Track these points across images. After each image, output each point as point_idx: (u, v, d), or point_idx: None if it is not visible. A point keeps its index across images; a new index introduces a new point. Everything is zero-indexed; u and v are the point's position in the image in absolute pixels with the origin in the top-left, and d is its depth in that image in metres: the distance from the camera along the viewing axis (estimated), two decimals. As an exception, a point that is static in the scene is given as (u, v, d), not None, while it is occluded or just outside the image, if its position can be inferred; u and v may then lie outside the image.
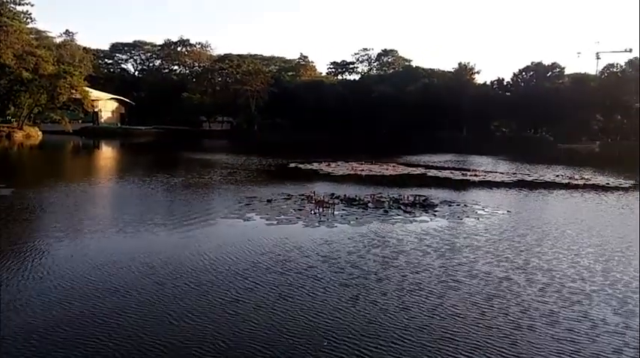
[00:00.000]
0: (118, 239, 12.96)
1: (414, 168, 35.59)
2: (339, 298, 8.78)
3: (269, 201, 19.24)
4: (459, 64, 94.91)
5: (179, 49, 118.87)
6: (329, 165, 35.82)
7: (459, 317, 8.05)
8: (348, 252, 11.91)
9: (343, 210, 17.67)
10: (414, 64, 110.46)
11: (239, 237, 13.37)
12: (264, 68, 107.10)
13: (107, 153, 54.19)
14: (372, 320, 7.83)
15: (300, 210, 17.50)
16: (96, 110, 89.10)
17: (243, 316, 7.90)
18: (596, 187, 26.67)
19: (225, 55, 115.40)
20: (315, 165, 35.41)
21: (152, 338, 7.08)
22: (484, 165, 39.89)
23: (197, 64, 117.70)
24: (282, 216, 16.29)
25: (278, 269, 10.40)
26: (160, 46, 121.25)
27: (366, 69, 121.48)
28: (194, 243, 12.64)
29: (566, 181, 29.08)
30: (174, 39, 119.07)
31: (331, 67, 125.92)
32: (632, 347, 7.04)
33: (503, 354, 6.82)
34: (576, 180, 29.58)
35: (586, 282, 9.94)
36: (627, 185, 27.64)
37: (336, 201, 19.32)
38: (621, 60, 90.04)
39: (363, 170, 33.30)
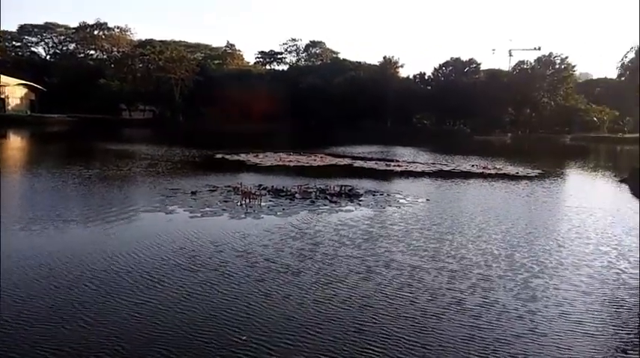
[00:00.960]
0: (19, 237, 11.98)
1: (340, 159, 36.18)
2: (253, 293, 8.61)
3: (193, 193, 18.73)
4: (384, 57, 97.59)
5: (96, 32, 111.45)
6: (257, 156, 35.51)
7: (369, 307, 8.20)
8: (268, 244, 11.74)
9: (270, 201, 17.62)
10: (341, 56, 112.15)
11: (158, 231, 12.84)
12: (189, 55, 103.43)
13: (14, 144, 49.94)
14: (284, 315, 7.78)
15: (225, 201, 17.21)
16: (2, 96, 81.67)
17: (149, 318, 7.48)
18: (506, 176, 28.64)
19: (146, 40, 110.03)
20: (242, 156, 34.94)
21: (48, 344, 6.61)
22: (407, 156, 41.42)
23: (116, 49, 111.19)
24: (207, 209, 15.93)
25: (191, 265, 10.02)
26: (74, 28, 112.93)
27: (294, 60, 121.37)
28: (105, 239, 11.99)
29: (480, 171, 30.97)
30: (91, 22, 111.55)
31: (259, 56, 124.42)
32: (537, 333, 7.40)
33: (412, 342, 7.04)
34: (489, 169, 31.57)
35: (492, 269, 10.42)
36: (534, 174, 29.93)
37: (264, 192, 19.21)
38: (531, 57, 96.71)
39: (291, 161, 33.35)
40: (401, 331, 7.38)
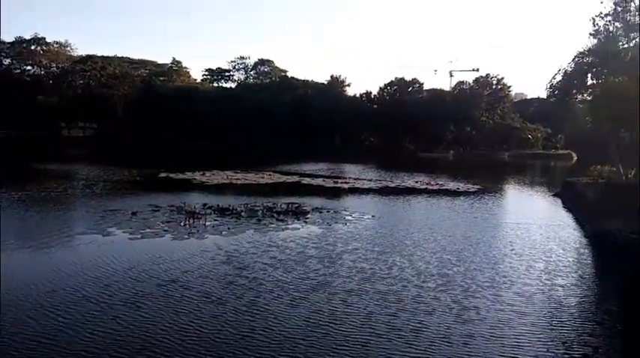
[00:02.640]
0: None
1: (288, 177, 36.22)
2: (168, 327, 8.12)
3: (134, 213, 18.11)
4: (332, 76, 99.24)
5: (33, 47, 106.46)
6: (203, 174, 34.87)
7: (292, 338, 7.85)
8: (199, 270, 11.40)
9: (216, 220, 17.33)
10: (289, 74, 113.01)
11: (88, 256, 12.30)
12: (132, 72, 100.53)
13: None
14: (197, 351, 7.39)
15: (168, 222, 16.76)
16: None
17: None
18: (448, 192, 29.68)
19: (87, 55, 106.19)
20: (188, 175, 34.20)
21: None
22: (354, 173, 42.06)
23: (55, 65, 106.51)
24: (148, 230, 15.44)
25: (103, 296, 9.42)
26: (9, 43, 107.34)
27: (242, 77, 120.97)
28: (32, 264, 11.48)
29: (424, 187, 31.94)
30: (28, 36, 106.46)
31: (206, 73, 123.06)
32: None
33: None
34: (432, 186, 32.61)
35: (427, 290, 10.38)
36: (474, 190, 31.21)
37: (209, 211, 18.89)
38: (470, 78, 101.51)
39: (238, 179, 33.02)
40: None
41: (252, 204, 20.98)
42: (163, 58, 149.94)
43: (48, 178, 30.58)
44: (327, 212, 20.21)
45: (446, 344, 7.79)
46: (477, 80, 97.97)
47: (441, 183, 34.55)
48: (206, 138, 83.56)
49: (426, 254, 13.64)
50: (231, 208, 19.56)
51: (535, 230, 17.75)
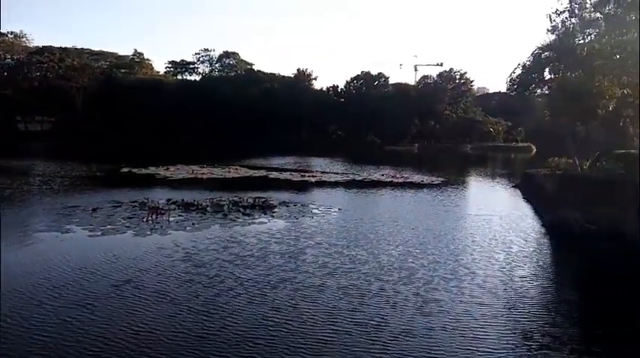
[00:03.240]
0: None
1: (255, 171, 35.94)
2: (121, 330, 7.82)
3: (94, 209, 17.59)
4: (298, 69, 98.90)
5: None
6: (167, 169, 34.18)
7: (251, 338, 7.68)
8: (157, 267, 11.10)
9: (180, 215, 17.04)
10: (255, 67, 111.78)
11: (43, 253, 11.91)
12: (92, 63, 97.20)
13: None
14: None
15: (130, 218, 16.36)
16: None
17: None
18: (413, 185, 30.16)
19: (44, 47, 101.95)
20: (151, 170, 33.44)
21: None
22: (321, 167, 42.14)
23: (9, 57, 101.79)
24: (109, 226, 15.03)
25: (54, 297, 9.09)
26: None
27: (207, 70, 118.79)
28: None
29: (390, 180, 32.34)
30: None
31: (169, 66, 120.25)
32: (437, 350, 7.48)
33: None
34: (397, 178, 33.05)
35: (390, 283, 10.41)
36: (438, 182, 31.82)
37: (173, 206, 18.56)
38: (434, 72, 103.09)
39: (204, 174, 32.53)
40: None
41: (218, 198, 20.73)
42: (124, 50, 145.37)
43: (1, 175, 29.27)
44: (295, 205, 20.19)
45: (408, 337, 7.82)
46: (440, 75, 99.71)
47: (406, 175, 35.05)
48: (170, 132, 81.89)
49: (389, 247, 13.73)
50: (196, 203, 19.26)
51: (496, 221, 18.23)
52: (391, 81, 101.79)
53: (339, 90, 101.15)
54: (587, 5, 23.69)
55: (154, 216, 16.49)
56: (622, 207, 16.45)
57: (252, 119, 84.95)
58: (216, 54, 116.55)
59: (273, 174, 34.05)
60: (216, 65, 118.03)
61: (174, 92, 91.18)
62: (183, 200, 19.81)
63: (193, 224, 15.75)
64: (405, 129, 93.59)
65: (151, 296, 9.32)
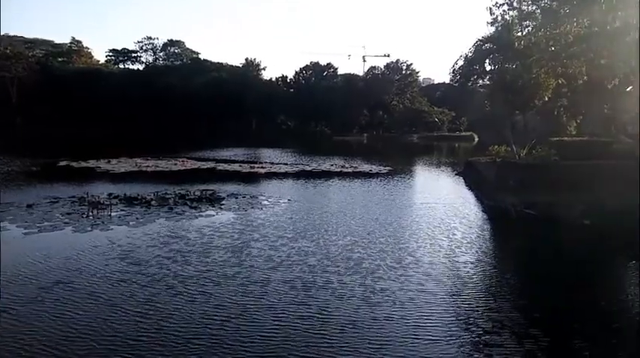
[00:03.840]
0: None
1: (203, 163, 35.21)
2: (48, 335, 7.35)
3: (30, 206, 16.62)
4: (246, 59, 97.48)
5: None
6: (109, 162, 32.83)
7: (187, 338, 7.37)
8: (91, 265, 10.55)
9: (122, 210, 16.42)
10: (202, 56, 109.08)
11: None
12: (26, 52, 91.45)
13: None
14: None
15: (69, 214, 15.59)
16: None
17: None
18: (362, 174, 30.56)
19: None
20: (91, 163, 31.99)
21: None
22: (271, 158, 41.87)
23: None
24: (46, 223, 14.26)
25: None
26: None
27: (151, 59, 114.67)
28: None
29: (339, 170, 32.63)
30: None
31: (110, 54, 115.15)
32: (382, 340, 7.57)
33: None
34: (347, 168, 33.39)
35: (335, 274, 10.32)
36: (385, 171, 32.40)
37: (115, 201, 17.85)
38: (381, 63, 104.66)
39: (148, 166, 31.50)
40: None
41: (164, 191, 20.15)
42: (61, 38, 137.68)
43: None
44: (244, 197, 19.96)
45: (354, 329, 7.75)
46: (388, 65, 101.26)
47: (355, 165, 35.46)
48: (112, 123, 78.63)
49: (336, 238, 13.65)
50: (139, 197, 18.62)
51: (440, 208, 18.73)
52: (340, 71, 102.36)
53: (289, 80, 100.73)
54: (526, -1, 24.74)
55: (94, 212, 15.82)
56: (556, 192, 17.43)
57: (199, 109, 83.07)
58: (160, 42, 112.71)
59: (222, 166, 33.48)
60: (161, 54, 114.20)
61: (115, 82, 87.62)
62: (126, 194, 19.11)
63: (137, 218, 15.23)
64: (354, 119, 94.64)
65: (83, 297, 8.78)
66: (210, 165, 34.30)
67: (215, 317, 8.12)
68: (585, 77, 22.92)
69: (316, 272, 10.50)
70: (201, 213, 16.40)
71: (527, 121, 31.34)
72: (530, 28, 24.29)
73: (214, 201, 18.81)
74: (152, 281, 9.78)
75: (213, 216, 16.15)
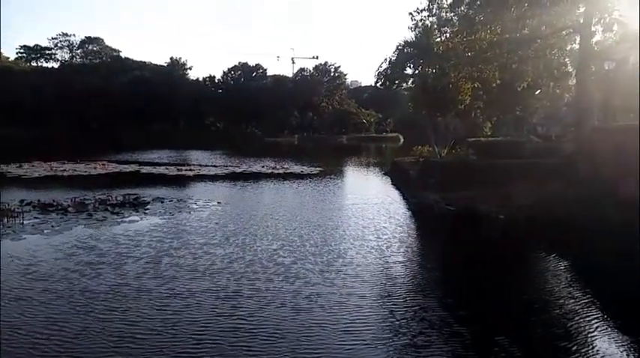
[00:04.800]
0: None
1: (126, 166, 33.70)
2: None
3: None
4: (171, 58, 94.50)
5: None
6: (20, 166, 30.46)
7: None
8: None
9: (36, 218, 15.30)
10: (123, 54, 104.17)
11: None
12: None
13: None
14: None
15: (-28, 224, 14.26)
16: None
17: None
18: (292, 175, 30.69)
19: None
20: (1, 168, 29.50)
21: None
22: (199, 160, 40.91)
23: None
24: (-56, 235, 12.95)
25: None
26: None
27: (67, 57, 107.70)
28: None
29: (270, 171, 32.56)
30: None
31: (22, 51, 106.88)
32: (317, 349, 7.72)
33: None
34: (278, 170, 33.40)
35: (263, 281, 9.86)
36: (316, 172, 32.79)
37: (27, 208, 16.60)
38: (310, 65, 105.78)
39: (65, 171, 29.60)
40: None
41: (82, 197, 19.02)
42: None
43: None
44: (170, 201, 19.33)
45: (282, 339, 7.35)
46: (316, 67, 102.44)
47: (286, 166, 35.55)
48: (24, 124, 72.96)
49: (265, 242, 13.17)
50: (55, 203, 17.43)
51: (369, 208, 19.03)
52: (269, 72, 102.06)
53: (217, 80, 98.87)
54: (445, 5, 26.08)
55: (4, 220, 14.59)
56: (473, 189, 18.54)
57: (121, 110, 79.31)
58: (77, 39, 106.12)
59: (146, 169, 32.22)
60: (78, 51, 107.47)
61: (27, 81, 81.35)
62: (40, 200, 17.82)
63: (52, 226, 14.25)
64: (284, 120, 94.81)
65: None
66: (133, 168, 32.92)
67: (125, 337, 7.26)
68: (498, 81, 24.57)
69: (243, 281, 9.88)
70: (123, 219, 15.65)
71: (447, 123, 33.02)
72: (448, 34, 25.65)
73: (138, 205, 18.05)
74: (51, 298, 8.69)
75: (137, 221, 15.48)
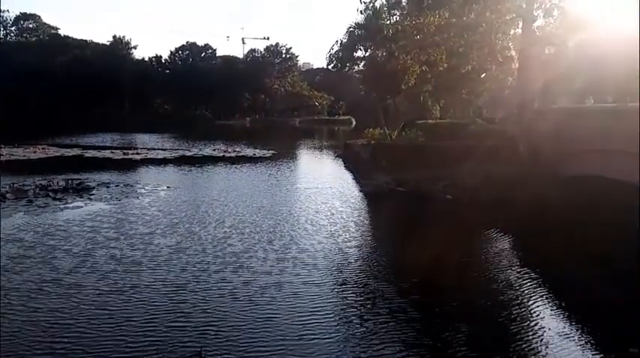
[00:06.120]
0: None
1: (68, 150, 32.19)
2: None
3: None
4: (114, 36, 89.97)
5: None
6: (-51, 151, 28.43)
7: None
8: None
9: (-31, 206, 14.40)
10: (62, 32, 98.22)
11: None
12: None
13: None
14: None
15: None
16: None
17: None
18: (245, 158, 30.36)
19: None
20: None
21: None
22: (147, 143, 39.63)
23: None
24: None
25: None
26: None
27: (0, 34, 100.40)
28: None
29: (222, 154, 32.07)
30: None
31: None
32: (270, 340, 7.66)
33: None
34: (230, 153, 32.93)
35: (215, 273, 9.40)
36: (269, 155, 32.55)
37: (-41, 196, 15.59)
38: (261, 46, 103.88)
39: (1, 155, 27.86)
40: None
41: (21, 183, 18.06)
42: None
43: None
44: (117, 186, 18.71)
45: (235, 333, 7.08)
46: (267, 49, 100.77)
47: (238, 149, 35.09)
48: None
49: (216, 229, 12.69)
50: (-10, 191, 16.48)
51: (323, 191, 19.03)
52: (219, 53, 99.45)
53: (163, 61, 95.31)
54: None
55: None
56: (422, 170, 19.05)
57: (61, 91, 75.15)
58: (11, 16, 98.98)
59: (90, 153, 30.92)
60: (12, 29, 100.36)
61: (-46, 58, 75.49)
62: (-28, 188, 16.77)
63: (-12, 214, 13.49)
64: (235, 102, 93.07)
65: None
66: (75, 152, 31.54)
67: (60, 337, 6.77)
68: (445, 64, 25.14)
69: (190, 272, 9.39)
70: (67, 205, 15.03)
71: (397, 105, 33.57)
72: (397, 17, 25.89)
73: (82, 191, 17.37)
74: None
75: (82, 207, 14.90)
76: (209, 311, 7.79)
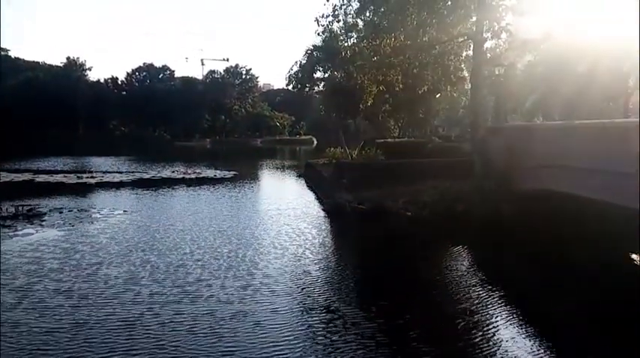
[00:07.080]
0: None
1: (17, 175, 30.80)
2: None
3: None
4: (68, 58, 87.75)
5: None
6: None
7: None
8: None
9: None
10: (12, 54, 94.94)
11: None
12: None
13: None
14: None
15: None
16: None
17: None
18: (206, 180, 29.93)
19: None
20: None
21: None
22: (103, 166, 38.47)
23: None
24: None
25: None
26: None
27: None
28: None
29: (182, 176, 31.51)
30: None
31: None
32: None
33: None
34: (190, 174, 32.38)
35: (160, 301, 8.95)
36: (230, 176, 32.25)
37: None
38: (221, 67, 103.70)
39: (-59, 182, 26.40)
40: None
41: (-34, 210, 17.12)
42: None
43: None
44: (70, 211, 18.03)
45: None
46: (227, 70, 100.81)
47: (198, 171, 34.59)
48: None
49: (174, 255, 12.16)
50: None
51: (285, 212, 18.87)
52: (177, 74, 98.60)
53: (120, 82, 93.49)
54: (351, 12, 26.89)
55: None
56: (382, 187, 19.32)
57: (11, 114, 72.08)
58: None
59: (42, 178, 29.71)
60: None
61: None
62: None
63: None
64: (195, 124, 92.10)
65: None
66: (26, 176, 30.22)
67: None
68: (401, 85, 25.83)
69: (144, 304, 8.83)
70: (16, 233, 14.33)
71: (357, 125, 34.19)
72: (354, 39, 26.48)
73: (33, 217, 16.64)
74: None
75: (32, 234, 14.24)
76: (165, 347, 7.20)
